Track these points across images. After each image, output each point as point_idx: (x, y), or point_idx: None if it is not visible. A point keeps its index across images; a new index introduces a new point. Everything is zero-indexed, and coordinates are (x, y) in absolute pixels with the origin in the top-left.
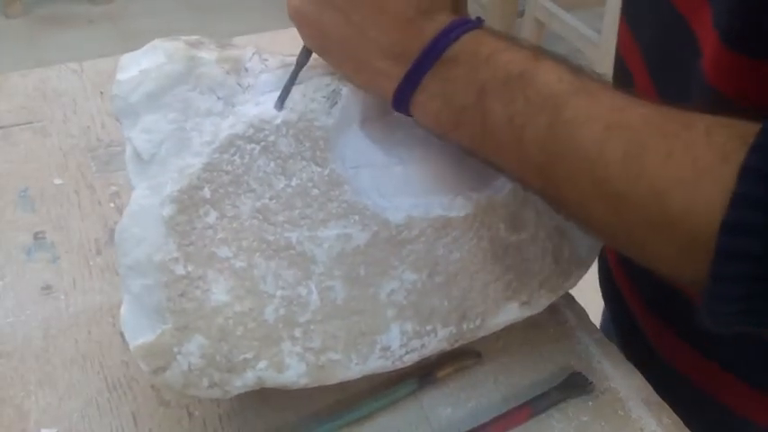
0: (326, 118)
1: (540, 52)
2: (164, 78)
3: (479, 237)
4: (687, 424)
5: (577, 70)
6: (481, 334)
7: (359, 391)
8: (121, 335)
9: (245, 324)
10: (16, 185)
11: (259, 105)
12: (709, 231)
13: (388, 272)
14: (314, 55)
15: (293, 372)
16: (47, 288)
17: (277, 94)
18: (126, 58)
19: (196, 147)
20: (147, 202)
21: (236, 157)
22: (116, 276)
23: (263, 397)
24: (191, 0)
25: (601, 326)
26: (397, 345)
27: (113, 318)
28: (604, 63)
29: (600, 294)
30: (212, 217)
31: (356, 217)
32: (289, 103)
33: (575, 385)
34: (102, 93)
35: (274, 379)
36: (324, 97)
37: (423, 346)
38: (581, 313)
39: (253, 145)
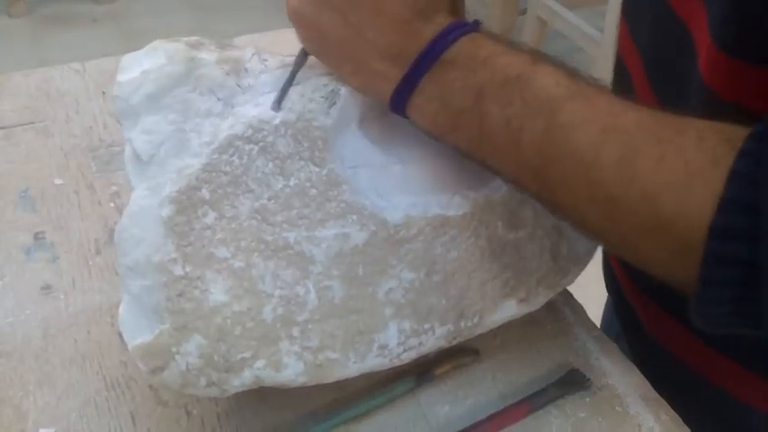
0: (325, 118)
1: (537, 56)
2: (164, 79)
3: (477, 235)
4: (688, 415)
5: (574, 74)
6: (479, 331)
7: (357, 390)
8: (120, 335)
9: (244, 324)
10: (17, 186)
11: (258, 106)
12: (700, 235)
13: (386, 271)
14: (311, 57)
15: (291, 370)
16: (46, 288)
17: (276, 94)
18: (126, 60)
19: (195, 147)
20: (146, 202)
21: (234, 158)
22: (115, 276)
23: (261, 396)
24: (193, 0)
25: (603, 315)
26: (394, 343)
27: (112, 318)
28: (606, 61)
29: (598, 291)
30: (211, 217)
31: (354, 217)
32: (287, 103)
33: (572, 382)
34: (104, 93)
35: (272, 378)
36: (322, 97)
37: (420, 344)
38: (579, 310)
39: (251, 145)
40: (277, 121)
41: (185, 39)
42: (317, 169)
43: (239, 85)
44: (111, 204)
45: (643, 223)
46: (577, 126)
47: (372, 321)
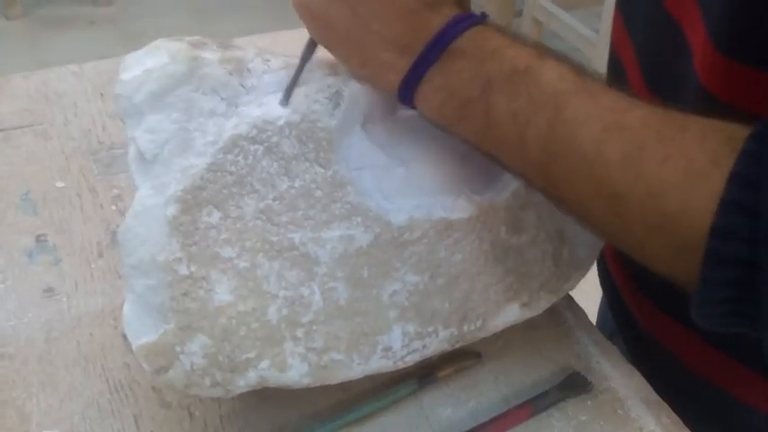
0: (329, 119)
1: (543, 50)
2: (167, 78)
3: (481, 239)
4: (685, 414)
5: (579, 69)
6: (482, 335)
7: (360, 391)
8: (123, 337)
9: (248, 324)
10: (18, 188)
11: (262, 106)
12: (701, 234)
13: (390, 273)
14: (316, 57)
15: (295, 372)
16: (49, 290)
17: (280, 94)
18: (129, 58)
19: (199, 147)
20: (150, 202)
21: (239, 158)
22: (118, 279)
23: (265, 397)
24: (191, 1)
25: (598, 313)
26: (398, 345)
27: (115, 320)
28: (602, 62)
29: (599, 294)
30: (216, 217)
31: (359, 218)
32: (292, 104)
33: (574, 385)
34: (102, 95)
35: (276, 379)
36: (326, 98)
37: (424, 346)
38: (580, 314)
39: (256, 146)
40: (282, 122)
41: (187, 38)
42: (321, 170)
43: (242, 86)
44: (113, 207)
45: (647, 220)
46: (581, 122)
47: (377, 323)
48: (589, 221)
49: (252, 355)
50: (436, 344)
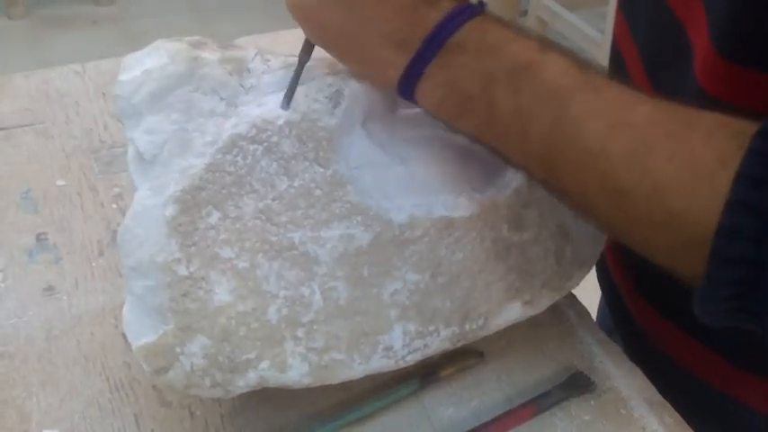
0: (329, 118)
1: (545, 43)
2: (166, 79)
3: (482, 237)
4: (685, 415)
5: (582, 63)
6: (484, 334)
7: (361, 391)
8: (124, 336)
9: (248, 324)
10: (18, 187)
11: (262, 106)
12: (706, 232)
13: (390, 272)
14: (314, 55)
15: (296, 372)
16: (49, 289)
17: (279, 94)
18: (128, 59)
19: (198, 147)
20: (149, 202)
21: (238, 158)
22: (118, 277)
23: (266, 397)
24: (193, 1)
25: (598, 313)
26: (399, 345)
27: (116, 319)
28: (606, 62)
29: (599, 292)
30: (215, 217)
31: (359, 217)
32: (292, 103)
33: (577, 384)
34: (104, 94)
35: (277, 379)
36: (326, 98)
37: (425, 346)
38: (583, 313)
39: (255, 145)
40: (281, 122)
41: (187, 38)
42: (321, 170)
43: (242, 85)
44: (114, 206)
45: (652, 216)
46: (587, 118)
47: (377, 323)
48: (592, 215)
49: (252, 355)
50: (438, 343)
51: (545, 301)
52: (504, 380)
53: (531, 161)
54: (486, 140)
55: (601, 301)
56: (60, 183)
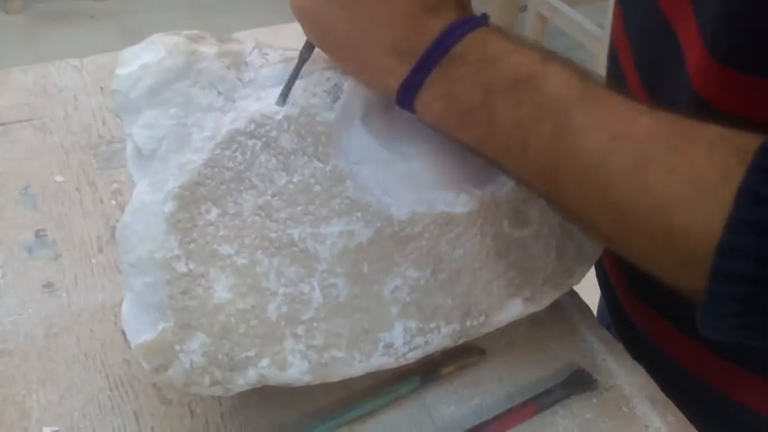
0: (328, 113)
1: (547, 55)
2: (164, 73)
3: (483, 233)
4: (684, 415)
5: (583, 74)
6: (485, 331)
7: (362, 389)
8: (123, 333)
9: (248, 322)
10: (17, 183)
11: (260, 100)
12: (708, 248)
13: (391, 269)
14: (315, 48)
15: (296, 369)
16: (48, 286)
17: (278, 88)
18: (126, 53)
19: (197, 142)
20: (148, 198)
21: (237, 153)
22: (118, 274)
23: (266, 394)
24: None
25: (597, 309)
26: (400, 342)
27: (115, 316)
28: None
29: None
30: (214, 214)
31: (359, 213)
32: (290, 98)
33: (579, 382)
34: (102, 89)
35: (277, 377)
36: (325, 92)
37: (426, 343)
38: (585, 310)
39: (254, 141)
40: (280, 116)
41: (185, 32)
42: (320, 165)
43: (240, 80)
44: (113, 202)
45: (653, 232)
46: (587, 131)
47: (378, 320)
48: (593, 229)
49: (252, 353)
50: (438, 340)
51: (547, 298)
52: (505, 377)
53: (531, 174)
54: (487, 153)
55: (600, 300)
56: (59, 179)
